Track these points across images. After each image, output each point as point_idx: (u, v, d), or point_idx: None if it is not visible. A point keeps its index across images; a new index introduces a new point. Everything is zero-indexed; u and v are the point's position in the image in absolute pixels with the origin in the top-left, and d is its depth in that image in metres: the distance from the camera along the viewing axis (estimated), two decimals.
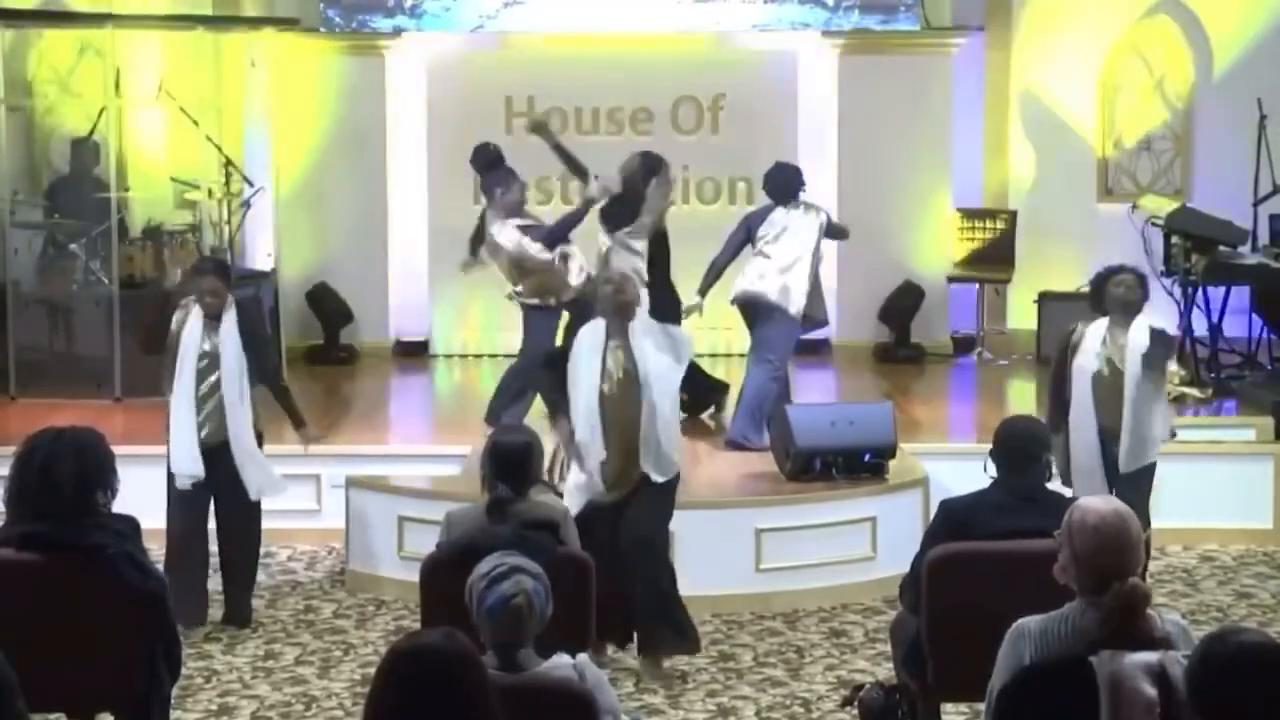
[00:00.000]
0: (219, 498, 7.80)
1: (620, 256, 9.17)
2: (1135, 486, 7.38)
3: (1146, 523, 7.18)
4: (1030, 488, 5.81)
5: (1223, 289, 11.27)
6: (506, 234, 9.41)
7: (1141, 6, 13.16)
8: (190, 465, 7.69)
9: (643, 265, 9.18)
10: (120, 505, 5.37)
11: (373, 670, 3.70)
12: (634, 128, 12.97)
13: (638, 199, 9.35)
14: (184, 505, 7.77)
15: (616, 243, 9.25)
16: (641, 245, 9.29)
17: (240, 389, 7.76)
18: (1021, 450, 5.86)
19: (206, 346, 7.75)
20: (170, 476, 7.76)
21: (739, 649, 7.56)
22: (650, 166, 9.48)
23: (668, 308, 9.09)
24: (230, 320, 7.78)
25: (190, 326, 7.78)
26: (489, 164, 9.85)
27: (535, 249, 9.35)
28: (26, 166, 12.48)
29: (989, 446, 5.95)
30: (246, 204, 12.44)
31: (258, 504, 7.87)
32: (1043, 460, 5.90)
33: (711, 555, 8.00)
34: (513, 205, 9.50)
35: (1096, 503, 4.34)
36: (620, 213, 9.34)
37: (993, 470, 5.89)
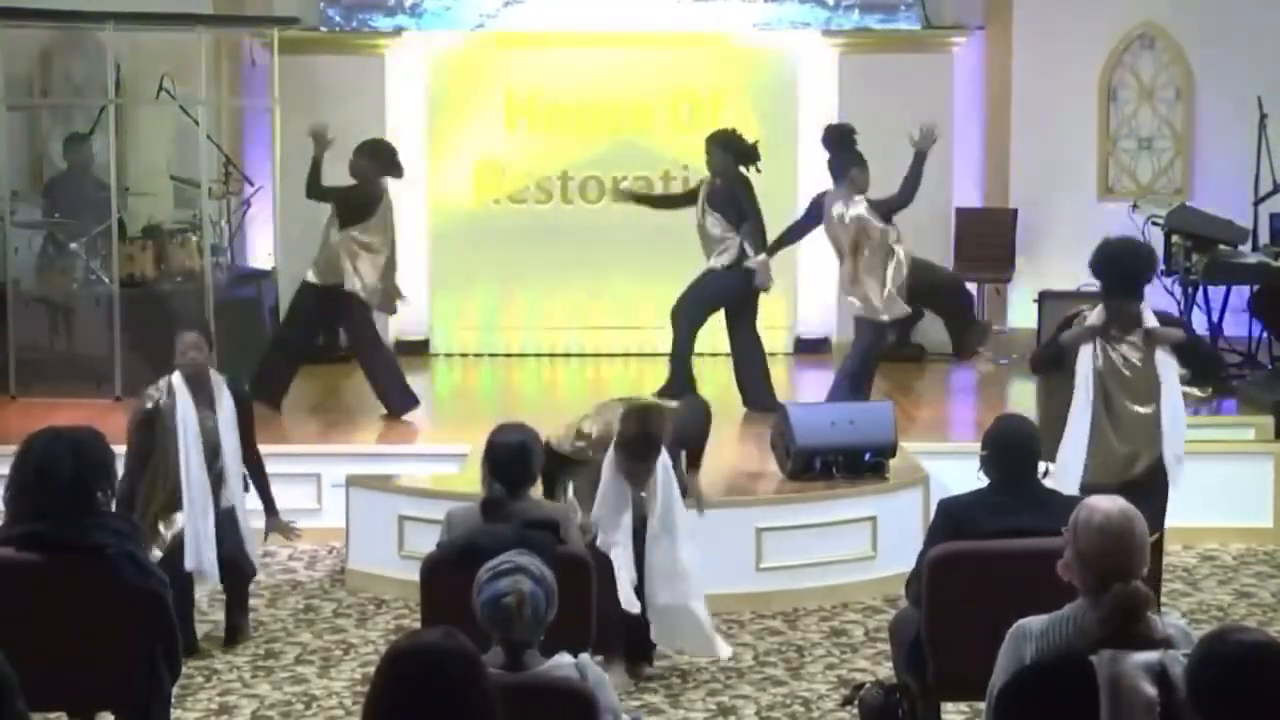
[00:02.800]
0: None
1: None
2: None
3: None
4: (1028, 487, 5.81)
5: (1223, 288, 11.27)
6: (854, 209, 9.86)
7: (1141, 5, 13.15)
8: (213, 571, 7.29)
9: None
10: None
11: (373, 669, 3.70)
12: (634, 127, 12.98)
13: None
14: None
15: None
16: None
17: (239, 463, 7.49)
18: (1016, 450, 5.86)
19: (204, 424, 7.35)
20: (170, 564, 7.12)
21: (739, 648, 7.54)
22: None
23: None
24: (226, 398, 7.39)
25: (181, 403, 7.28)
26: (842, 144, 10.18)
27: (877, 224, 9.86)
28: (26, 166, 12.49)
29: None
30: (246, 203, 12.46)
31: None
32: (1036, 459, 5.90)
33: (711, 555, 7.97)
34: (862, 184, 9.92)
35: (1103, 502, 4.32)
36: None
37: (986, 475, 5.90)
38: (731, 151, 10.31)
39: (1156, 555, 6.72)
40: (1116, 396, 7.04)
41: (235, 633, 7.60)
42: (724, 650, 7.11)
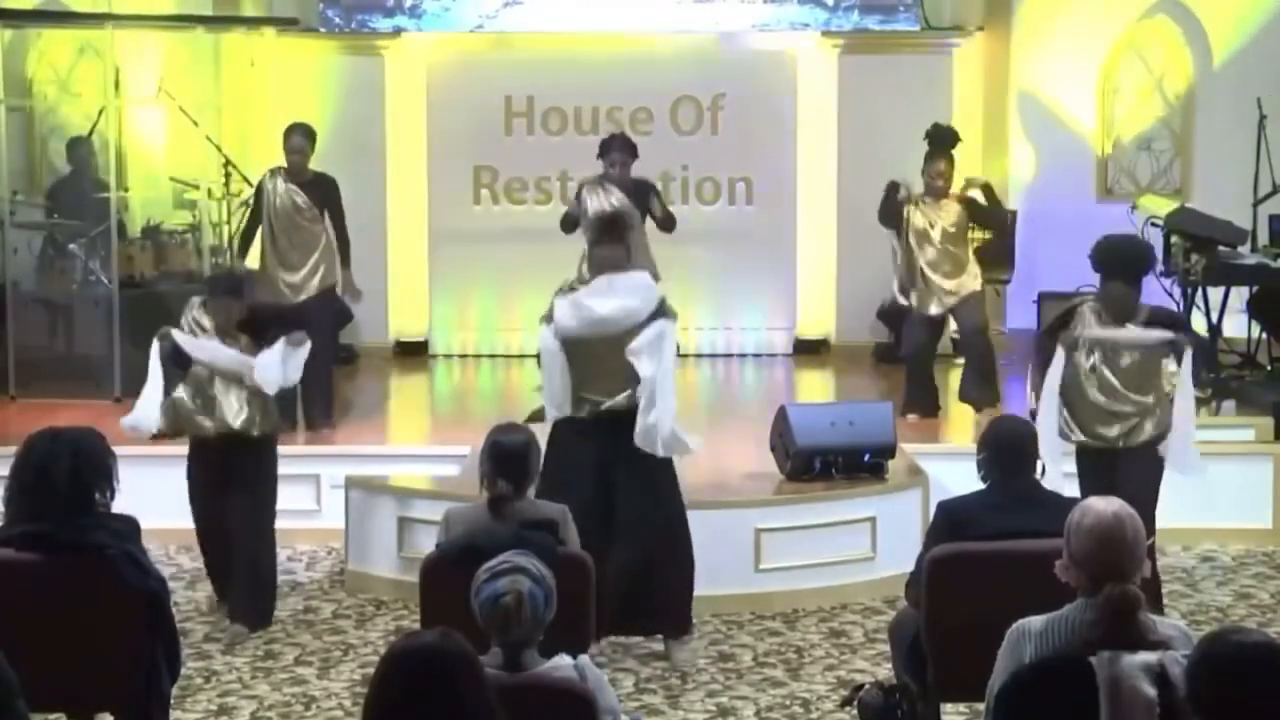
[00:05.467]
0: (232, 486, 7.72)
1: None
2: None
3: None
4: (1026, 488, 5.81)
5: (1222, 289, 11.26)
6: None
7: (1141, 6, 13.17)
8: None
9: None
10: (120, 505, 5.38)
11: (372, 670, 3.71)
12: (634, 128, 12.92)
13: None
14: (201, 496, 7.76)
15: None
16: None
17: None
18: (1013, 451, 5.86)
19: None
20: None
21: (739, 649, 7.56)
22: None
23: None
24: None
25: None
26: None
27: None
28: (26, 166, 12.49)
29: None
30: (246, 204, 12.45)
31: (271, 499, 7.83)
32: (1034, 459, 5.91)
33: (711, 555, 7.99)
34: None
35: (1098, 503, 4.31)
36: None
37: (984, 477, 5.90)
38: None
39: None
40: (1112, 378, 7.27)
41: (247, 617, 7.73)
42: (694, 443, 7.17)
